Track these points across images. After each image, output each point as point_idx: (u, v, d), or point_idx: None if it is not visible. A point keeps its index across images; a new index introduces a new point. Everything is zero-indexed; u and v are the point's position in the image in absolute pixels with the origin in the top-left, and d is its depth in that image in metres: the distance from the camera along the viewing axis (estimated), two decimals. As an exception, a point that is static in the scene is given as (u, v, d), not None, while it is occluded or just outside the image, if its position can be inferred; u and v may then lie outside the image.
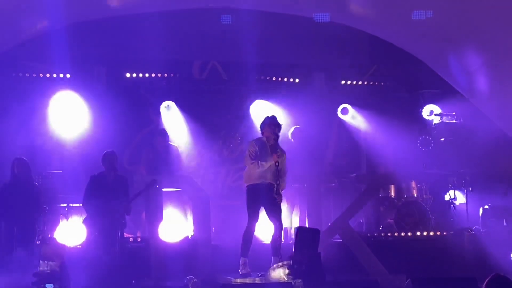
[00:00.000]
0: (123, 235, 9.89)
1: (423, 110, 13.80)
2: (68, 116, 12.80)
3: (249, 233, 9.63)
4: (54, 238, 9.56)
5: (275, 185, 9.59)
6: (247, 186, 9.72)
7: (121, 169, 10.71)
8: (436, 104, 13.76)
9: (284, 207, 11.02)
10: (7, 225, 9.95)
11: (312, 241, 8.90)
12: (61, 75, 12.84)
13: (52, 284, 8.58)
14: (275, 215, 9.64)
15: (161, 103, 13.24)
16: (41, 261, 8.64)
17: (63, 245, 9.01)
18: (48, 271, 8.61)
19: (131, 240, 10.89)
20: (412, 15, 11.28)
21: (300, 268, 8.67)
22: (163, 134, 12.03)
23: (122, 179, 10.00)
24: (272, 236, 9.71)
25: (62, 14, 11.33)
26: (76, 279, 9.40)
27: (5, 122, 12.13)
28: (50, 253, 8.73)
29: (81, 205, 10.20)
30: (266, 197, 9.58)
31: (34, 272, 8.62)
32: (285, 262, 9.10)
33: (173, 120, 13.21)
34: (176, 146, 12.18)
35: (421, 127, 13.75)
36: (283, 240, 10.14)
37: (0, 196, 10.12)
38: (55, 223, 11.10)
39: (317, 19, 11.88)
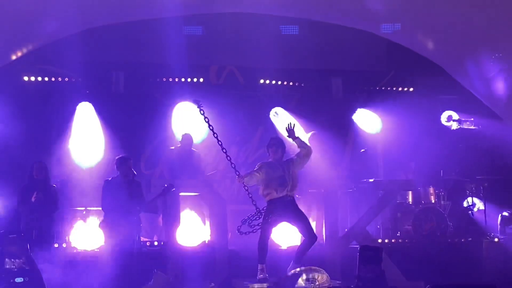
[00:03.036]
0: (140, 239, 9.88)
1: (441, 116, 13.73)
2: (85, 120, 12.80)
3: (264, 240, 9.52)
4: (21, 235, 9.20)
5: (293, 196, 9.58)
6: (267, 202, 9.64)
7: (138, 174, 10.68)
8: (454, 110, 13.69)
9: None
10: (27, 228, 9.99)
11: (375, 259, 8.89)
12: (80, 79, 12.85)
13: (22, 278, 8.46)
14: (302, 227, 9.51)
15: (177, 107, 13.21)
16: (7, 259, 8.56)
17: (26, 243, 8.90)
18: (15, 269, 8.51)
19: (148, 244, 10.90)
20: (432, 21, 11.26)
21: (365, 286, 8.68)
22: (188, 139, 12.00)
23: (137, 183, 9.96)
24: (302, 242, 9.57)
25: (79, 19, 11.40)
26: (92, 282, 9.45)
27: (22, 126, 12.14)
28: (15, 251, 8.66)
29: (99, 208, 10.18)
30: (286, 210, 9.51)
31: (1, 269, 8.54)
32: (302, 268, 9.06)
33: (188, 124, 13.16)
34: (198, 152, 12.15)
35: (439, 133, 13.67)
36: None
37: (19, 199, 10.18)
38: (72, 226, 11.12)
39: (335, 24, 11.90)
